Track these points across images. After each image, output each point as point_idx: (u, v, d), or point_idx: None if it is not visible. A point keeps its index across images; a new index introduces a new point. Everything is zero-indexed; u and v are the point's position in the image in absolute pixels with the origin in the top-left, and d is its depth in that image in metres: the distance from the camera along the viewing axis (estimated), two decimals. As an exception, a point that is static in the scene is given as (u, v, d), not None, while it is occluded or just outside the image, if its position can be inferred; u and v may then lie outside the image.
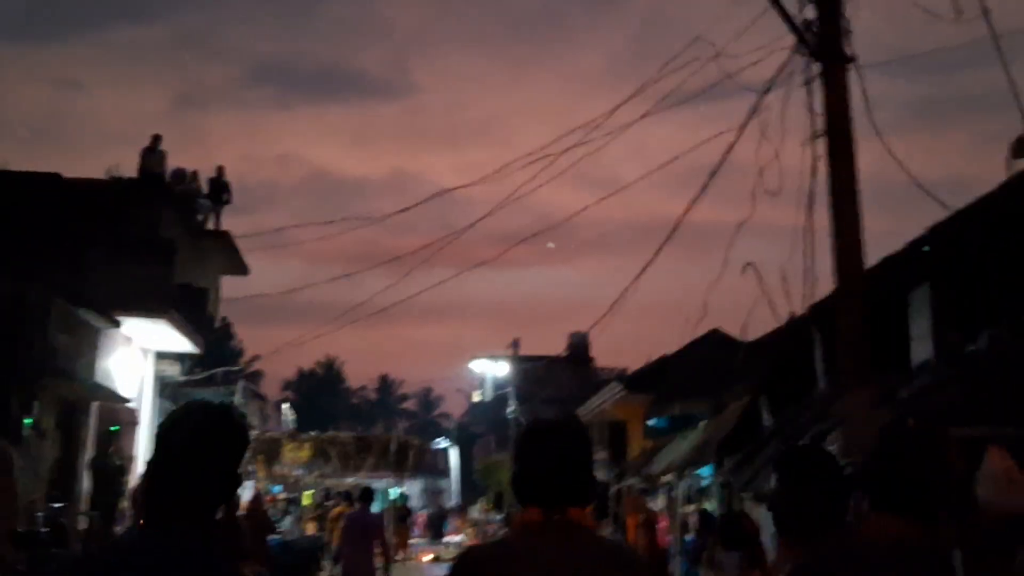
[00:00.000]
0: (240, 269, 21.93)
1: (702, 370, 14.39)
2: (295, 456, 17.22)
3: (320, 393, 63.22)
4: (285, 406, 33.16)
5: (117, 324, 13.08)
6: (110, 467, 13.45)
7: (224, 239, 19.84)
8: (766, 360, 11.54)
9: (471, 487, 41.80)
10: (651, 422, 16.17)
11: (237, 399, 17.39)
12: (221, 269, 21.59)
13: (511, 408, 31.68)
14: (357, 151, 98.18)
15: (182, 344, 15.69)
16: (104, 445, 13.70)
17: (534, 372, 40.03)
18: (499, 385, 34.90)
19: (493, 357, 34.83)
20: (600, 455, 25.11)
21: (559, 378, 45.60)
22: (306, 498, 22.32)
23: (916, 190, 8.56)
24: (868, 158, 8.38)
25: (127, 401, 13.69)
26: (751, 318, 10.97)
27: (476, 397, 42.99)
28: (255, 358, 64.19)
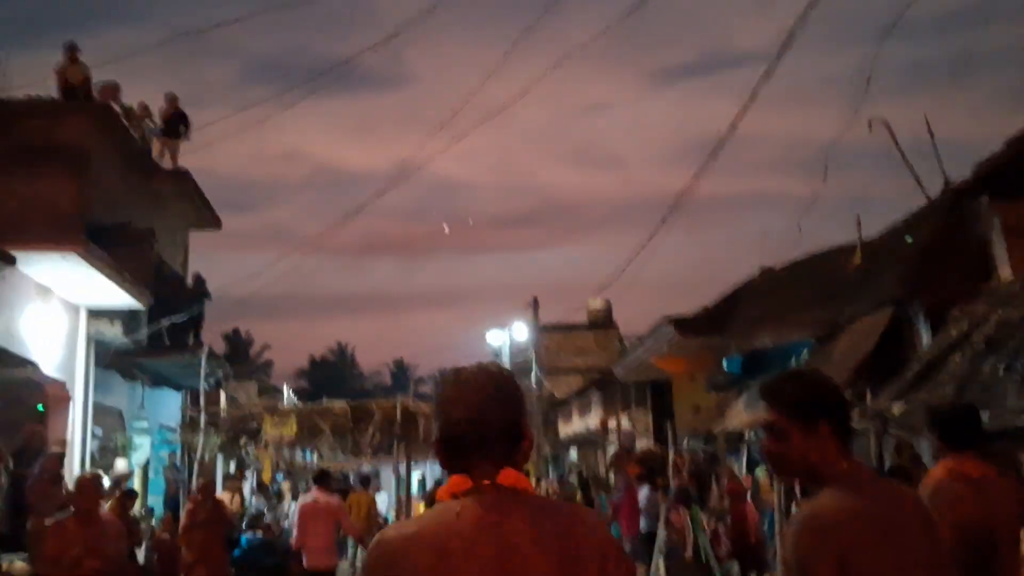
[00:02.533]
0: (210, 221, 18.57)
1: (792, 295, 10.95)
2: (278, 433, 13.87)
3: (332, 380, 60.41)
4: (285, 388, 30.06)
5: (11, 260, 9.72)
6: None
7: (183, 181, 16.47)
8: (912, 254, 8.11)
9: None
10: (725, 366, 12.72)
11: (204, 370, 14.06)
12: (188, 220, 18.22)
13: (534, 375, 28.25)
14: (360, 143, 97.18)
15: (121, 299, 12.34)
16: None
17: (555, 342, 36.92)
18: (518, 353, 31.50)
19: (507, 326, 31.38)
20: (641, 421, 21.83)
21: (582, 346, 42.56)
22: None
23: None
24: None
25: (29, 364, 10.34)
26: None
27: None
28: (265, 347, 61.90)
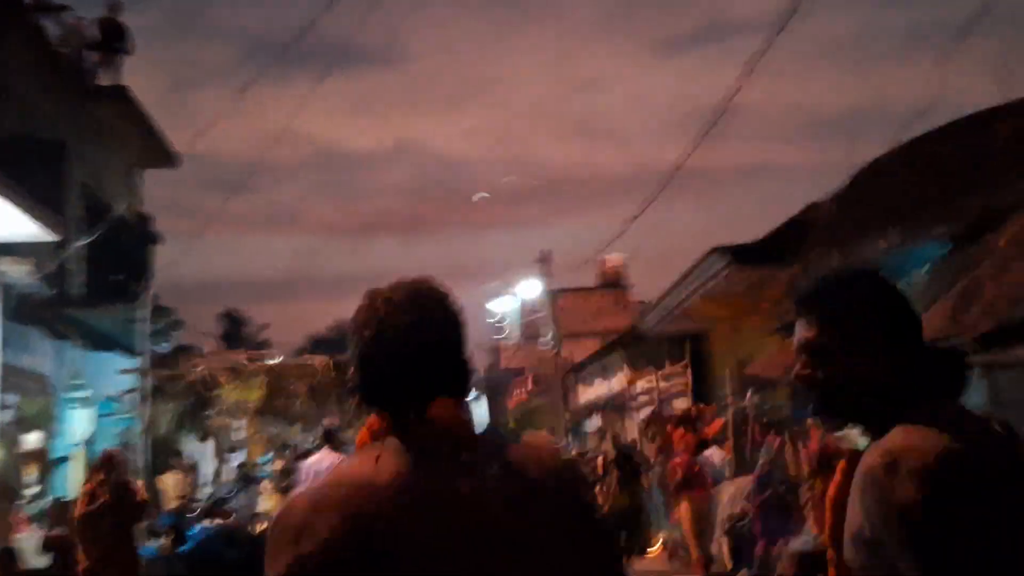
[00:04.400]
0: (161, 156, 15.73)
1: (907, 189, 8.11)
2: (240, 398, 11.17)
3: (332, 357, 57.95)
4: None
5: None
6: None
7: (123, 101, 13.61)
8: None
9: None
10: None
11: (147, 324, 11.29)
12: (135, 154, 15.37)
13: (547, 337, 25.49)
14: (358, 123, 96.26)
15: (25, 228, 9.55)
16: None
17: (567, 305, 34.21)
18: (528, 315, 28.72)
19: (513, 286, 28.45)
20: (679, 378, 19.04)
21: (597, 307, 39.85)
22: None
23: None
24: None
25: None
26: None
27: (503, 338, 36.96)
28: (263, 326, 59.93)
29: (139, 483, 7.89)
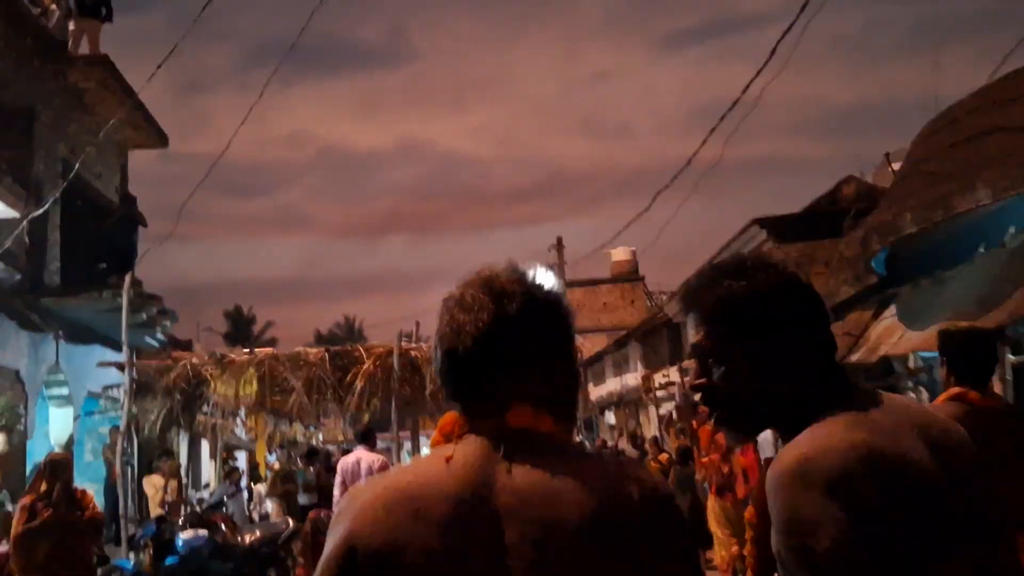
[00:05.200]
0: (151, 137, 14.64)
1: (986, 138, 7.00)
2: (231, 393, 10.05)
3: (341, 354, 56.87)
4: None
5: None
6: None
7: (104, 70, 12.50)
8: None
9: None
10: (873, 265, 8.87)
11: (125, 308, 10.14)
12: (119, 132, 14.27)
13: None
14: (365, 123, 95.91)
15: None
16: None
17: (576, 299, 33.14)
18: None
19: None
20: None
21: (607, 302, 38.80)
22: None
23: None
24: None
25: None
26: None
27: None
28: (268, 325, 59.17)
29: (90, 494, 6.69)
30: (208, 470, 18.02)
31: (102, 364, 10.82)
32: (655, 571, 1.21)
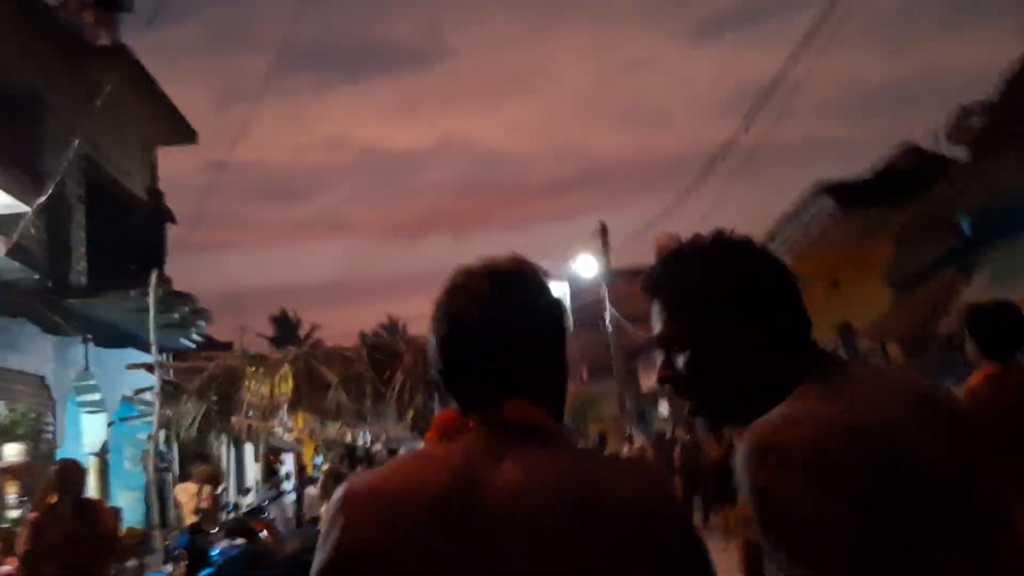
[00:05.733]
0: (179, 132, 14.17)
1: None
2: (266, 391, 9.48)
3: (386, 355, 56.88)
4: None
5: None
6: None
7: (124, 62, 12.02)
8: None
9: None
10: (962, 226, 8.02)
11: (153, 308, 9.62)
12: (145, 126, 13.83)
13: (606, 318, 23.57)
14: (403, 123, 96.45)
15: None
16: None
17: (621, 287, 32.23)
18: (582, 296, 26.79)
19: (561, 273, 26.40)
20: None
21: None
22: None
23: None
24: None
25: None
26: None
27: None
28: (314, 327, 59.41)
29: (105, 505, 6.09)
30: (253, 474, 17.59)
31: (131, 366, 10.32)
32: (651, 569, 1.16)
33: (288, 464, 19.78)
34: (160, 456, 12.13)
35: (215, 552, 8.41)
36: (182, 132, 14.13)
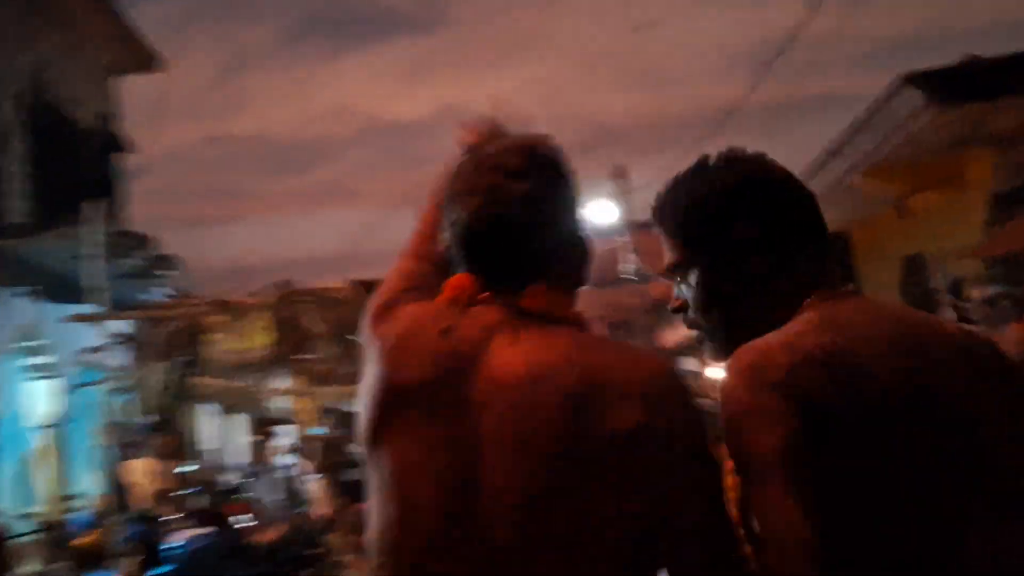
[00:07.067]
0: (138, 59, 12.32)
1: None
2: (236, 344, 7.73)
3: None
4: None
5: None
6: None
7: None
8: None
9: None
10: None
11: (94, 245, 7.84)
12: (99, 48, 11.97)
13: (628, 263, 21.72)
14: (408, 91, 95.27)
15: None
16: None
17: (640, 243, 30.49)
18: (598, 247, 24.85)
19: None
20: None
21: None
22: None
23: None
24: None
25: None
26: None
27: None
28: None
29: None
30: (244, 449, 15.93)
31: (71, 319, 8.56)
32: (651, 457, 1.11)
33: (284, 437, 18.10)
34: (128, 429, 10.44)
35: (177, 545, 6.69)
36: (142, 58, 12.27)
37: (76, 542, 6.45)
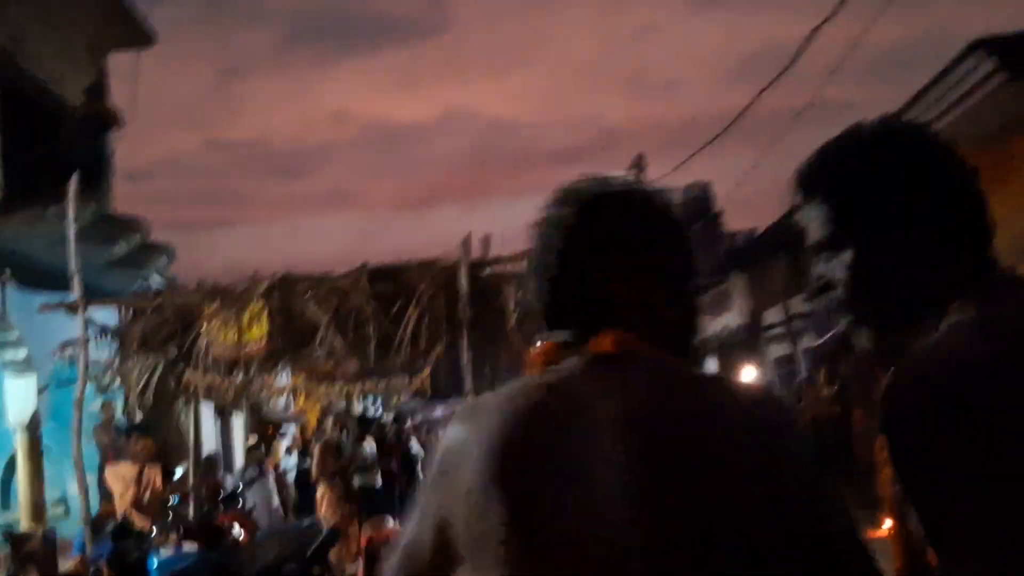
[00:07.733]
0: (129, 33, 11.52)
1: None
2: (230, 336, 6.88)
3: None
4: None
5: None
6: None
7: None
8: None
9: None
10: None
11: (73, 225, 6.99)
12: (86, 23, 11.17)
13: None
14: (406, 96, 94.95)
15: None
16: None
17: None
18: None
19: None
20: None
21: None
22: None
23: None
24: None
25: None
26: None
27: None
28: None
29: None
30: (241, 452, 15.09)
31: (45, 308, 7.72)
32: (766, 488, 1.04)
33: (289, 438, 17.21)
34: (117, 430, 9.61)
35: (154, 564, 5.83)
36: (134, 33, 11.43)
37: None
